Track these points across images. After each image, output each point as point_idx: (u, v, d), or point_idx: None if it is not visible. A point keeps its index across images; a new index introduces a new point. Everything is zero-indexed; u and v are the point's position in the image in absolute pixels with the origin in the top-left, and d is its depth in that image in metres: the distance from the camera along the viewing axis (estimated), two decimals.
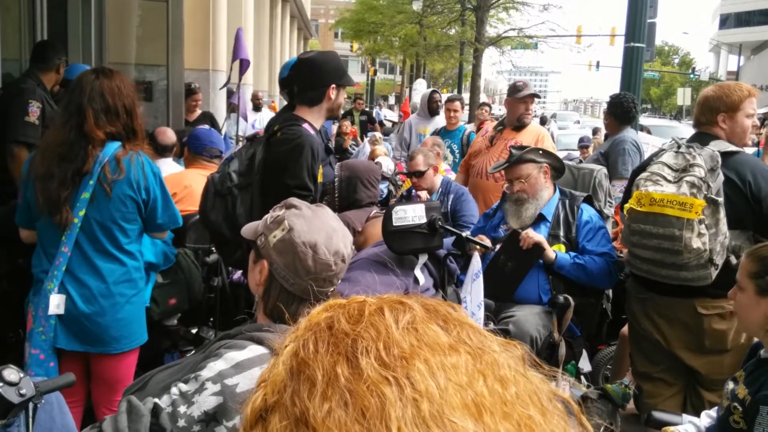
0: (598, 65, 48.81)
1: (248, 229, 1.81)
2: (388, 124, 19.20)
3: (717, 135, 3.23)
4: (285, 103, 3.39)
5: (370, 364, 0.68)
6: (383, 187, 6.09)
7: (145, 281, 3.02)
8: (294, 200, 1.78)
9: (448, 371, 0.69)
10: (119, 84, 2.84)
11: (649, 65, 39.39)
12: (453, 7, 25.67)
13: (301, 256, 1.65)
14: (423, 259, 3.08)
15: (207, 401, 1.47)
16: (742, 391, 2.19)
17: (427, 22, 27.41)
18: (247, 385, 1.48)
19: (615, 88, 7.77)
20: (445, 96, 8.48)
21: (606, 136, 6.32)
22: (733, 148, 3.16)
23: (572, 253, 3.57)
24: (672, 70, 70.33)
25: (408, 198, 5.08)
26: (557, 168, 3.83)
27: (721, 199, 2.95)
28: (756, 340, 2.50)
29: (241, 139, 8.01)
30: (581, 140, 9.20)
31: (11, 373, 1.69)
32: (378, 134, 10.19)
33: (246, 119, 9.32)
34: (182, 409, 1.46)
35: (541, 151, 3.82)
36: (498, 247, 3.60)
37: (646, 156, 4.53)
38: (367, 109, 18.49)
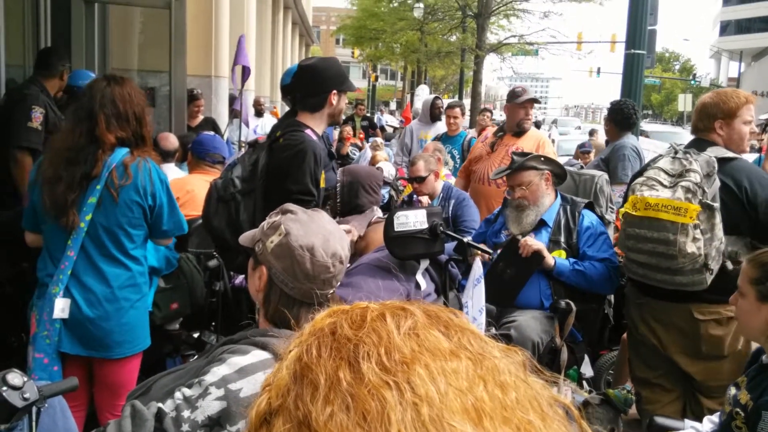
0: (598, 71, 48.82)
1: (246, 237, 1.83)
2: (390, 130, 19.21)
3: (714, 141, 3.24)
4: (287, 108, 3.40)
5: (372, 368, 0.69)
6: (384, 192, 6.10)
7: (149, 286, 3.02)
8: (290, 205, 1.80)
9: (448, 376, 0.70)
10: (130, 91, 2.87)
11: (649, 71, 39.42)
12: (454, 14, 25.73)
13: (299, 259, 1.66)
14: (424, 264, 3.08)
15: (211, 406, 1.47)
16: (744, 397, 2.20)
17: (428, 29, 27.47)
18: (251, 390, 1.49)
19: (616, 94, 7.79)
20: (445, 102, 8.50)
21: (606, 142, 6.33)
22: (729, 154, 3.17)
23: (572, 260, 3.57)
24: (673, 77, 70.31)
25: (409, 203, 5.08)
26: (559, 174, 3.84)
27: (716, 205, 2.96)
28: (756, 345, 2.50)
29: (243, 144, 8.04)
30: (582, 146, 9.18)
31: (15, 377, 1.69)
32: (379, 139, 10.22)
33: (248, 125, 9.35)
34: (186, 413, 1.46)
35: (542, 158, 3.83)
36: (497, 254, 3.60)
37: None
38: (369, 115, 18.52)
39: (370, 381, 0.68)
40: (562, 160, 5.52)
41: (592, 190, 4.31)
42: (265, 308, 1.72)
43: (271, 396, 0.74)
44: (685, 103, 36.03)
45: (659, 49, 72.83)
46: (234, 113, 9.41)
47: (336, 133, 12.50)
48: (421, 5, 26.01)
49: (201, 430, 1.46)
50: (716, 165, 3.02)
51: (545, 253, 3.51)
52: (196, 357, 2.81)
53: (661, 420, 2.49)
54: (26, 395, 1.69)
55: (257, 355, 1.57)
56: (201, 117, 7.45)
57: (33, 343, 2.77)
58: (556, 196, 3.79)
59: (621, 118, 5.75)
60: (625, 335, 3.99)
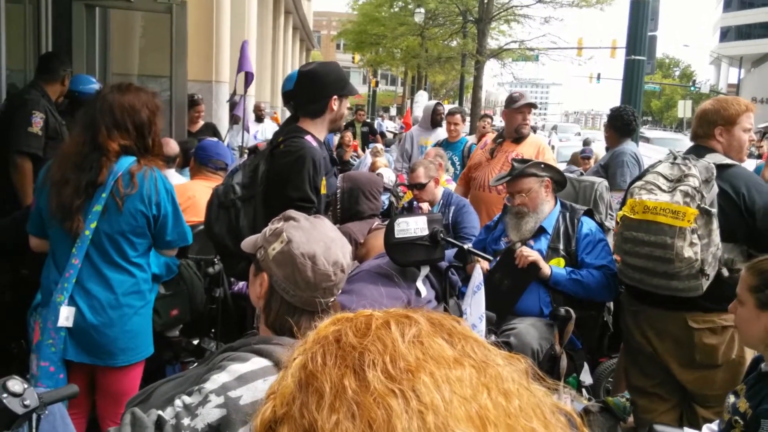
0: (599, 77, 48.84)
1: (248, 243, 1.82)
2: (390, 136, 19.23)
3: (714, 148, 3.25)
4: (288, 114, 3.40)
5: (377, 376, 0.70)
6: (384, 199, 6.11)
7: (152, 293, 3.03)
8: (292, 212, 1.80)
9: (453, 384, 0.70)
10: (133, 101, 2.84)
11: (649, 78, 39.46)
12: (455, 20, 25.77)
13: (301, 267, 1.66)
14: (425, 271, 3.08)
15: (210, 414, 1.47)
16: (743, 405, 2.20)
17: (429, 34, 27.50)
18: (251, 398, 1.49)
19: (616, 100, 7.81)
20: (446, 108, 8.52)
21: (607, 149, 6.33)
22: (728, 161, 3.18)
23: (569, 269, 3.57)
24: (673, 83, 70.43)
25: (409, 210, 5.09)
26: (559, 181, 3.84)
27: (714, 210, 2.96)
28: (753, 355, 2.51)
29: (245, 150, 8.05)
30: (582, 152, 9.20)
31: (15, 384, 1.69)
32: (379, 146, 10.22)
33: (248, 130, 9.37)
34: (186, 421, 1.46)
35: (542, 165, 3.83)
36: (493, 264, 3.61)
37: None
38: (369, 121, 18.53)
39: (375, 389, 0.69)
40: (561, 167, 5.54)
41: (592, 197, 4.32)
42: (266, 315, 1.72)
43: (276, 404, 0.74)
44: (684, 109, 36.06)
45: (659, 55, 72.96)
46: (234, 118, 9.43)
47: (336, 139, 12.50)
48: (422, 10, 26.06)
49: None
50: (715, 171, 3.03)
51: (542, 263, 3.51)
52: (196, 364, 2.81)
53: (660, 428, 2.48)
54: (26, 402, 1.69)
55: (257, 363, 1.57)
56: (201, 122, 7.47)
57: (38, 351, 2.76)
58: (556, 203, 3.79)
59: (621, 125, 5.76)
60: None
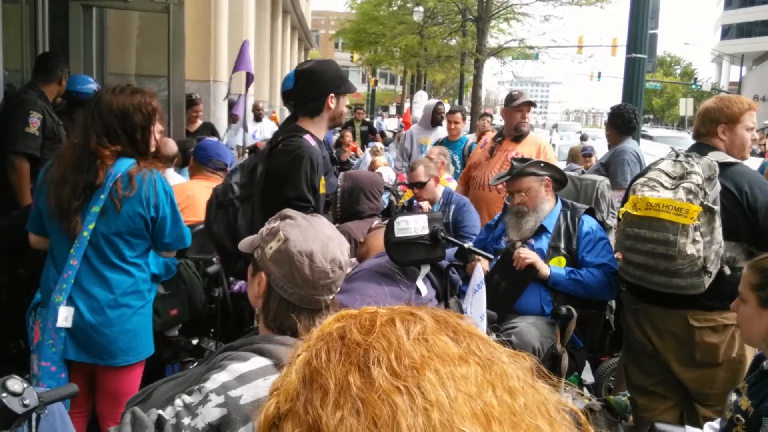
0: (599, 76, 48.89)
1: (245, 243, 1.83)
2: (389, 135, 19.23)
3: (716, 146, 3.24)
4: (287, 113, 3.40)
5: (382, 373, 0.70)
6: (384, 198, 6.11)
7: (152, 293, 3.02)
8: (289, 211, 1.80)
9: (458, 381, 0.70)
10: (124, 104, 2.80)
11: (651, 76, 39.48)
12: (454, 18, 25.75)
13: (298, 265, 1.66)
14: (425, 270, 3.08)
15: (211, 413, 1.47)
16: (745, 403, 2.19)
17: (428, 33, 27.49)
18: (251, 397, 1.49)
19: (617, 98, 7.80)
20: (446, 107, 8.53)
21: (609, 147, 6.33)
22: (731, 159, 3.17)
23: (568, 268, 3.56)
24: (674, 81, 70.53)
25: (409, 209, 5.08)
26: (559, 180, 3.83)
27: (717, 208, 2.96)
28: (755, 353, 2.50)
29: (245, 150, 8.05)
30: (583, 149, 9.22)
31: (15, 384, 1.69)
32: (379, 145, 10.21)
33: (247, 129, 9.37)
34: (186, 420, 1.46)
35: (542, 164, 3.83)
36: (492, 264, 3.60)
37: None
38: (368, 120, 18.54)
39: (380, 386, 0.68)
40: (562, 165, 5.53)
41: (593, 196, 4.31)
42: (265, 314, 1.72)
43: (280, 400, 0.74)
44: (686, 107, 36.08)
45: (660, 53, 73.04)
46: (233, 118, 9.43)
47: (335, 138, 12.51)
48: (421, 9, 26.04)
49: None
50: (717, 169, 3.02)
51: (539, 265, 3.51)
52: (195, 364, 2.81)
53: (662, 426, 2.48)
54: (26, 402, 1.69)
55: (257, 362, 1.57)
56: (200, 122, 7.47)
57: (38, 352, 2.77)
58: (557, 201, 3.79)
59: (621, 123, 5.76)
60: None
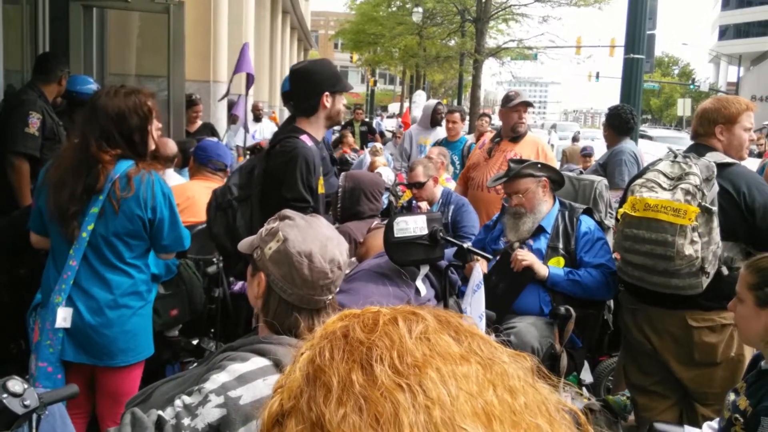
0: (597, 76, 48.87)
1: (244, 244, 1.83)
2: (388, 135, 19.23)
3: (714, 147, 3.25)
4: (288, 113, 3.41)
5: (384, 371, 0.70)
6: (383, 198, 6.11)
7: (152, 294, 3.02)
8: (288, 211, 1.80)
9: (459, 380, 0.71)
10: (120, 106, 2.79)
11: (649, 76, 39.46)
12: (453, 19, 25.76)
13: (297, 265, 1.66)
14: (424, 270, 3.09)
15: (211, 413, 1.48)
16: (743, 403, 2.20)
17: (427, 34, 27.49)
18: (251, 397, 1.49)
19: (615, 98, 7.80)
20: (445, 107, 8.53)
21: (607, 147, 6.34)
22: (729, 159, 3.18)
23: (566, 269, 3.57)
24: (672, 81, 70.51)
25: (408, 209, 5.09)
26: (556, 180, 3.84)
27: (715, 209, 2.97)
28: (753, 353, 2.51)
29: (246, 151, 8.05)
30: (583, 149, 9.24)
31: (15, 384, 1.69)
32: (378, 145, 10.21)
33: (248, 129, 9.37)
34: (186, 421, 1.47)
35: (539, 165, 3.84)
36: (490, 266, 3.61)
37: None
38: (367, 120, 18.53)
39: (383, 383, 0.69)
40: (560, 165, 5.53)
41: (592, 196, 4.32)
42: (264, 315, 1.73)
43: (284, 397, 0.75)
44: (684, 107, 36.05)
45: (658, 54, 73.04)
46: (232, 118, 9.42)
47: (333, 138, 12.49)
48: (420, 10, 26.05)
49: None
50: (715, 170, 3.03)
51: (537, 266, 3.52)
52: (195, 364, 2.81)
53: (660, 426, 2.49)
54: (26, 402, 1.69)
55: (257, 362, 1.57)
56: (199, 122, 7.47)
57: (36, 352, 2.77)
58: (555, 202, 3.80)
59: (619, 123, 5.77)
60: None
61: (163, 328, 3.38)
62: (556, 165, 5.15)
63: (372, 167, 7.56)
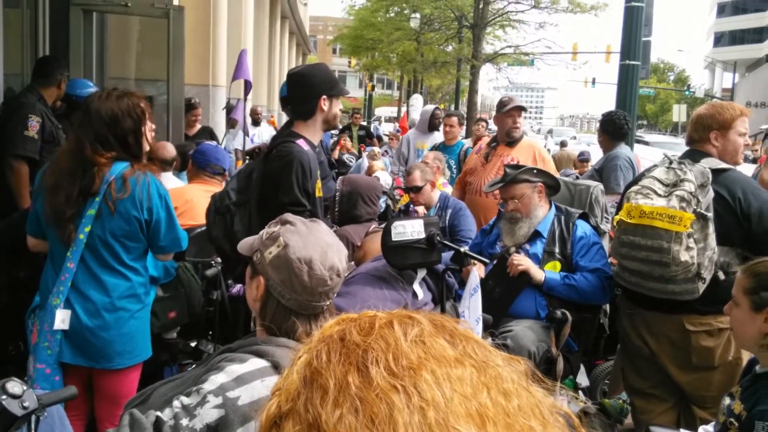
0: (593, 82, 48.99)
1: (244, 245, 1.83)
2: (385, 139, 19.24)
3: (709, 152, 3.27)
4: (285, 117, 3.42)
5: (380, 373, 0.71)
6: (381, 202, 6.12)
7: (150, 297, 3.02)
8: (289, 216, 1.80)
9: (453, 382, 0.72)
10: (113, 110, 2.79)
11: (644, 82, 39.55)
12: (450, 25, 25.83)
13: (297, 272, 1.66)
14: (422, 273, 3.09)
15: (209, 414, 1.48)
16: (738, 407, 2.21)
17: (425, 39, 27.55)
18: (249, 398, 1.50)
19: (611, 104, 7.83)
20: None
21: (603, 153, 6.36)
22: (724, 165, 3.20)
23: (562, 273, 3.58)
24: (667, 87, 70.59)
25: (406, 213, 5.10)
26: (552, 186, 3.86)
27: (710, 215, 2.99)
28: (749, 356, 2.52)
29: (245, 156, 8.06)
30: (581, 154, 9.26)
31: (14, 386, 1.69)
32: (376, 149, 10.23)
33: (248, 133, 9.39)
34: (184, 421, 1.47)
35: (535, 170, 3.85)
36: (486, 270, 3.62)
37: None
38: (365, 124, 18.53)
39: (378, 385, 0.70)
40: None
41: (588, 201, 4.33)
42: (262, 318, 1.73)
43: (281, 400, 0.76)
44: (679, 113, 36.16)
45: (654, 60, 73.15)
46: (231, 122, 9.44)
47: (331, 142, 12.48)
48: (418, 16, 26.11)
49: None
50: (710, 176, 3.05)
51: (533, 271, 3.53)
52: (194, 366, 2.82)
53: (657, 429, 2.50)
54: (25, 404, 1.69)
55: (255, 364, 1.58)
56: (198, 126, 7.47)
57: (34, 353, 2.77)
58: (550, 207, 3.81)
59: (613, 129, 5.78)
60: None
61: (162, 330, 3.38)
62: (553, 168, 5.16)
63: (370, 171, 7.58)
